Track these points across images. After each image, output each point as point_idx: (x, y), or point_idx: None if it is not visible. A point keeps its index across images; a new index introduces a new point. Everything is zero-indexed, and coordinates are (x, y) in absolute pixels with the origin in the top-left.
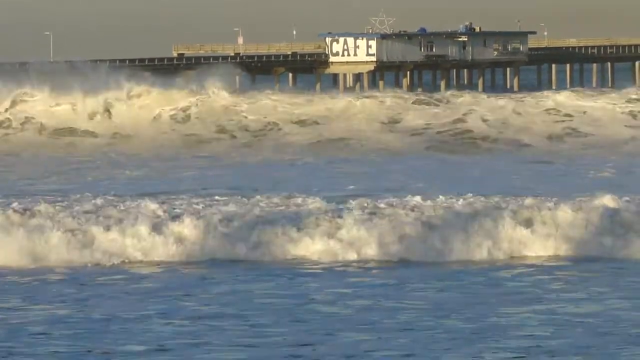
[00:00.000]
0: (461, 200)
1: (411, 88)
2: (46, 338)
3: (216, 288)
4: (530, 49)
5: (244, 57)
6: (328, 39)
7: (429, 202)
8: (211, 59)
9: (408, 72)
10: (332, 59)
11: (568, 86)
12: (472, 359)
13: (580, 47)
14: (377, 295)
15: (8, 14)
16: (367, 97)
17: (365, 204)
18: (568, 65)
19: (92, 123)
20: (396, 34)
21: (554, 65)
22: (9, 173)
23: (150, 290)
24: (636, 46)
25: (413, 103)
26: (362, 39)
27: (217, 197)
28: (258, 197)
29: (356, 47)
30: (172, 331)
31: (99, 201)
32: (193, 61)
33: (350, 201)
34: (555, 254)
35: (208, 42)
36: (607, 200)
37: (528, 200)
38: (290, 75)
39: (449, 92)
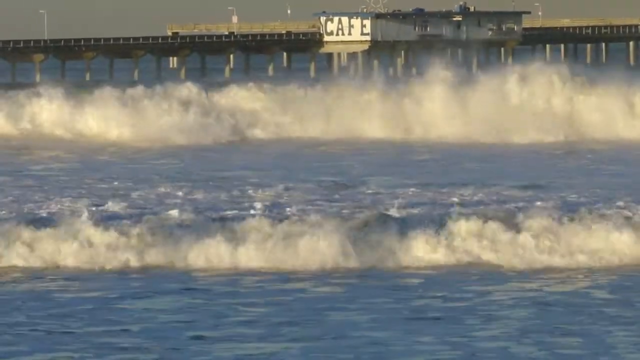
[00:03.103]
0: None
1: (406, 68)
2: None
3: None
4: (525, 29)
5: (238, 36)
6: (323, 18)
7: None
8: (205, 38)
9: (402, 52)
10: (326, 38)
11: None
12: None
13: (574, 28)
14: None
15: None
16: None
17: None
18: (562, 46)
19: None
20: (391, 14)
21: (548, 46)
22: None
23: None
24: (630, 26)
25: None
26: (357, 18)
27: None
28: None
29: (351, 26)
30: None
31: None
32: (187, 40)
33: None
34: None
35: (202, 21)
36: None
37: None
38: (285, 54)
39: None
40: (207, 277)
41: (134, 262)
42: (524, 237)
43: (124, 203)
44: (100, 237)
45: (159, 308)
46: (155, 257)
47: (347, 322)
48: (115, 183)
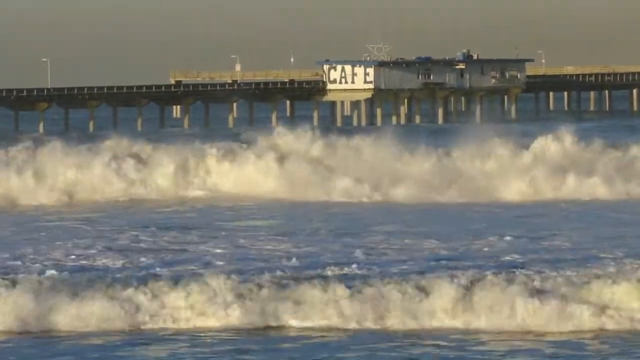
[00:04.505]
0: None
1: (409, 116)
2: None
3: None
4: (528, 77)
5: (242, 85)
6: (326, 66)
7: None
8: (209, 86)
9: (406, 100)
10: (329, 86)
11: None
12: None
13: (577, 75)
14: None
15: (4, 41)
16: None
17: None
18: (565, 93)
19: None
20: (394, 62)
21: (551, 93)
22: None
23: None
24: (633, 73)
25: None
26: (360, 66)
27: None
28: None
29: (354, 74)
30: None
31: None
32: (191, 88)
33: None
34: None
35: (205, 70)
36: None
37: None
38: (288, 102)
39: None
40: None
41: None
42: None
43: None
44: None
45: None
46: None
47: None
48: None
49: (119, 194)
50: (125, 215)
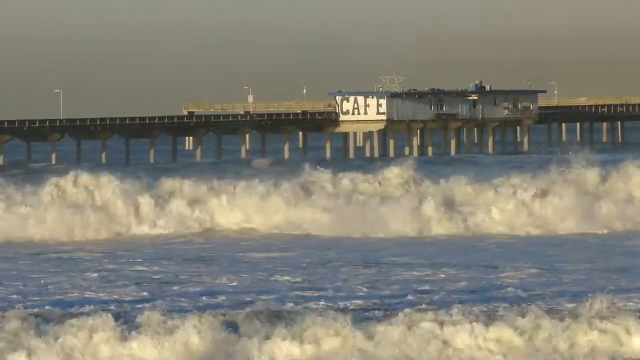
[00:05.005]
0: None
1: (422, 147)
2: None
3: None
4: (541, 108)
5: (255, 116)
6: (338, 98)
7: None
8: (222, 118)
9: (418, 131)
10: (342, 117)
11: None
12: None
13: (590, 106)
14: None
15: (17, 72)
16: None
17: None
18: (578, 125)
19: None
20: (406, 93)
21: (564, 125)
22: None
23: None
24: None
25: None
26: (373, 97)
27: None
28: None
29: (367, 105)
30: None
31: None
32: (203, 119)
33: None
34: None
35: (218, 101)
36: None
37: None
38: (301, 134)
39: None
40: None
41: None
42: None
43: None
44: None
45: None
46: None
47: None
48: None
49: (135, 228)
50: (142, 248)
